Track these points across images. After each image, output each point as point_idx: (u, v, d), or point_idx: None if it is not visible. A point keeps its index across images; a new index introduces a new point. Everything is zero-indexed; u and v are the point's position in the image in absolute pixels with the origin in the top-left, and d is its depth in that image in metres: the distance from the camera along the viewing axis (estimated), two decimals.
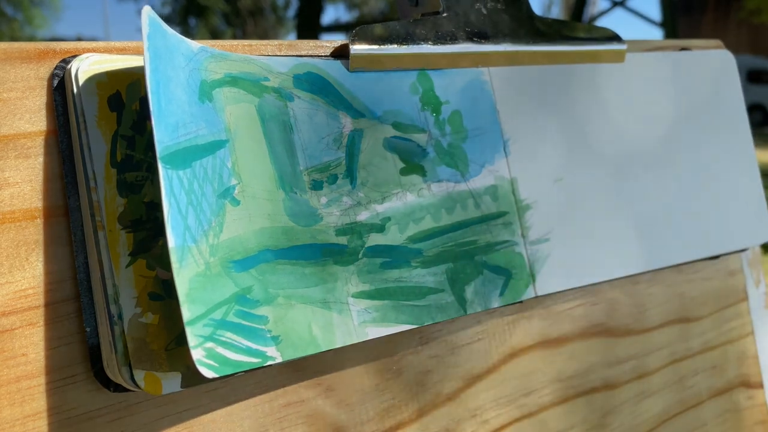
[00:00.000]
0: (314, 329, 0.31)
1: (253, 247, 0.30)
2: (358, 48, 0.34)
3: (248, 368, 0.29)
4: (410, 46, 0.36)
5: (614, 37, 0.44)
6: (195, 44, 0.30)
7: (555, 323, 0.44)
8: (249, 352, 0.29)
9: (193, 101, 0.29)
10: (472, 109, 0.38)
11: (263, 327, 0.29)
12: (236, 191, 0.30)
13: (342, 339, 0.32)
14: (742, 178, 0.50)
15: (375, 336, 0.33)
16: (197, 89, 0.30)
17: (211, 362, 0.27)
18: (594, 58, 0.43)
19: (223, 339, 0.28)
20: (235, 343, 0.28)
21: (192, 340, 0.27)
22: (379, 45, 0.35)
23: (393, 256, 0.34)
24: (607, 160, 0.42)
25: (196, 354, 0.27)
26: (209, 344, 0.27)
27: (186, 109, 0.29)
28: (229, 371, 0.28)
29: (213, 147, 0.30)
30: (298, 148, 0.32)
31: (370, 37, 0.35)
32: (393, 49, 0.35)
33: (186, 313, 0.27)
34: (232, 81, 0.31)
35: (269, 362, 0.29)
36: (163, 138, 0.27)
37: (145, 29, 0.27)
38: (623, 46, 0.44)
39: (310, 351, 0.31)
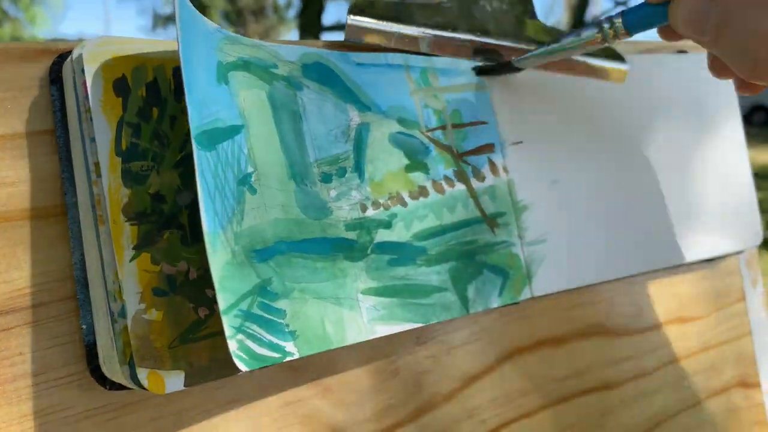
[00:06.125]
0: (327, 325, 0.31)
1: (270, 237, 0.30)
2: (356, 19, 0.34)
3: (271, 363, 0.28)
4: (409, 27, 0.36)
5: (618, 56, 0.44)
6: (211, 23, 0.30)
7: (553, 323, 0.44)
8: (271, 346, 0.28)
9: (211, 82, 0.29)
10: (471, 109, 0.38)
11: (282, 321, 0.29)
12: (253, 179, 0.29)
13: (353, 336, 0.32)
14: (736, 181, 0.50)
15: (383, 334, 0.33)
16: (215, 70, 0.29)
17: (243, 355, 0.27)
18: (595, 73, 0.43)
19: (250, 331, 0.28)
20: (260, 337, 0.28)
21: (228, 330, 0.26)
22: (378, 21, 0.35)
23: (399, 254, 0.34)
24: (602, 162, 0.42)
25: (232, 345, 0.26)
26: (240, 336, 0.27)
27: (206, 90, 0.28)
28: (256, 365, 0.27)
29: (231, 131, 0.29)
30: (307, 138, 0.32)
31: (370, 11, 0.35)
32: (392, 27, 0.35)
33: (221, 302, 0.26)
34: (245, 65, 0.30)
35: (288, 358, 0.29)
36: (194, 116, 0.27)
37: (176, 1, 0.27)
38: (626, 66, 0.44)
39: (324, 348, 0.30)
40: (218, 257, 0.27)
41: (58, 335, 0.29)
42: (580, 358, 0.45)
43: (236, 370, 0.30)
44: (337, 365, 0.36)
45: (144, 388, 0.28)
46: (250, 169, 0.29)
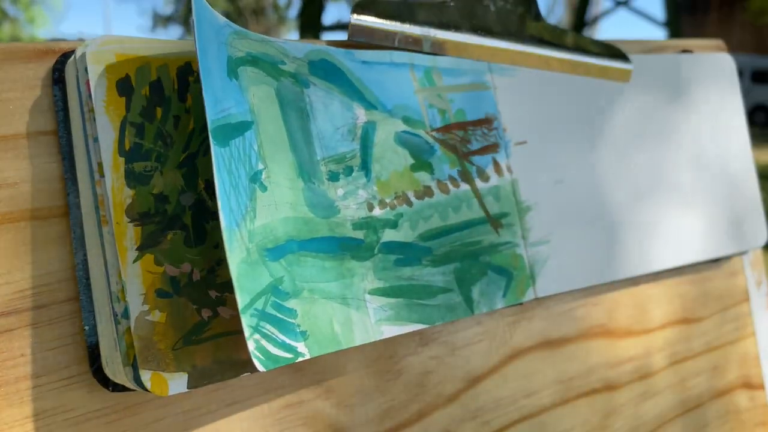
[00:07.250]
0: (335, 326, 0.30)
1: (281, 236, 0.29)
2: (359, 18, 0.34)
3: (284, 364, 0.28)
4: (412, 26, 0.36)
5: (621, 56, 0.44)
6: (220, 17, 0.30)
7: (556, 324, 0.44)
8: (284, 346, 0.28)
9: (222, 77, 0.29)
10: (475, 109, 0.38)
11: (293, 321, 0.29)
12: (263, 176, 0.29)
13: (360, 337, 0.31)
14: (740, 182, 0.50)
15: (390, 335, 0.33)
16: (225, 65, 0.29)
17: (260, 355, 0.27)
18: (600, 73, 0.43)
19: (265, 331, 0.27)
20: (274, 337, 0.28)
21: (246, 330, 0.26)
22: (381, 20, 0.35)
23: (405, 254, 0.34)
24: (606, 162, 0.42)
25: (250, 345, 0.26)
26: (257, 335, 0.27)
27: (220, 85, 0.28)
28: (272, 366, 0.27)
29: (242, 127, 0.29)
30: (314, 136, 0.32)
31: (373, 10, 0.35)
32: (395, 26, 0.35)
33: (239, 300, 0.26)
34: (253, 61, 0.30)
35: (300, 358, 0.29)
36: (210, 111, 0.27)
37: None
38: (630, 66, 0.44)
39: (333, 348, 0.30)
40: (235, 255, 0.27)
41: (61, 337, 0.29)
42: (584, 360, 0.45)
43: (239, 371, 0.30)
44: (339, 366, 0.35)
45: (147, 390, 0.28)
46: (260, 166, 0.29)
